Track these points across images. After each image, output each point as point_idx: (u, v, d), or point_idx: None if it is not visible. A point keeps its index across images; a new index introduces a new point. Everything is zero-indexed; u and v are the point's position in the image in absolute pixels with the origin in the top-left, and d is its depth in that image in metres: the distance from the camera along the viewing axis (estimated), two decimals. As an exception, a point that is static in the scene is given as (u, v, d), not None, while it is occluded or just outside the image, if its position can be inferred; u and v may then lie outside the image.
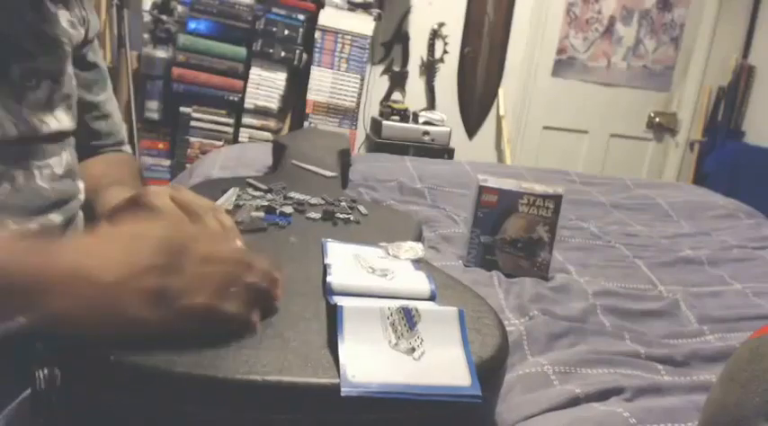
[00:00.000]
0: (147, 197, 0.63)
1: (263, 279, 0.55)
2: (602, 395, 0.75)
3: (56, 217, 0.71)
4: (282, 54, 2.74)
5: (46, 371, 0.47)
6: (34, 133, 0.68)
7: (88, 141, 0.88)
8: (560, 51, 3.46)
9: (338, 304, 0.53)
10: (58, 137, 0.73)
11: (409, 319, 0.54)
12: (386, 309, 0.54)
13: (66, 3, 0.75)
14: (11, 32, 0.66)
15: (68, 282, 0.46)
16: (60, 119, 0.72)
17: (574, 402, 0.72)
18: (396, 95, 3.31)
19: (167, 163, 2.82)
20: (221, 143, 2.74)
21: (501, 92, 3.40)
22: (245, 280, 0.53)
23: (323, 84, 2.84)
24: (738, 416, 0.51)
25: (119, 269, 0.48)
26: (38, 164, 0.69)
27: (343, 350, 0.50)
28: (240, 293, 0.52)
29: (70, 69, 0.76)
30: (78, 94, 0.79)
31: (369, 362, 0.50)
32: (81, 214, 0.80)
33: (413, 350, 0.52)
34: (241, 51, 2.73)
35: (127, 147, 0.97)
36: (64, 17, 0.74)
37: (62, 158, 0.74)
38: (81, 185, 0.79)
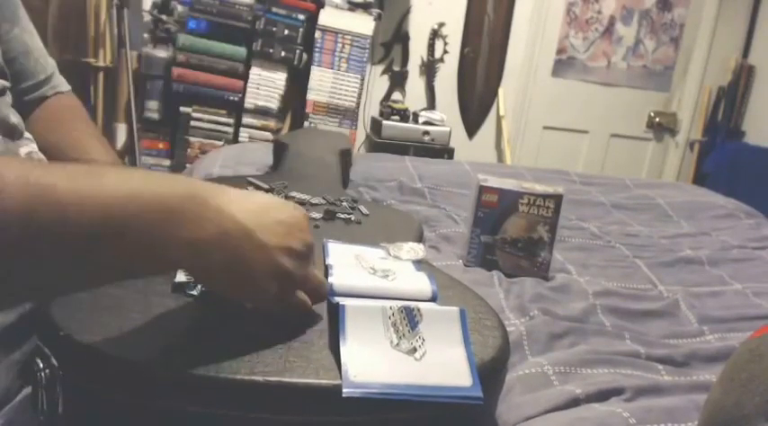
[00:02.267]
0: None
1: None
2: (603, 396, 0.75)
3: None
4: (282, 54, 2.74)
5: (46, 368, 0.48)
6: None
7: (15, 86, 0.77)
8: (560, 51, 3.46)
9: (340, 303, 0.53)
10: None
11: (411, 319, 0.54)
12: (387, 309, 0.54)
13: None
14: None
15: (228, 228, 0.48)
16: None
17: (574, 402, 0.72)
18: (396, 95, 3.31)
19: (167, 163, 2.82)
20: (221, 143, 2.73)
21: (501, 92, 3.40)
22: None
23: (323, 83, 2.84)
24: (738, 416, 0.51)
25: (276, 238, 0.50)
26: None
27: (345, 350, 0.50)
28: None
29: None
30: None
31: (370, 362, 0.50)
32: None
33: (414, 350, 0.52)
34: (241, 51, 2.73)
35: (61, 84, 0.88)
36: None
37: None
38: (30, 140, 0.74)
